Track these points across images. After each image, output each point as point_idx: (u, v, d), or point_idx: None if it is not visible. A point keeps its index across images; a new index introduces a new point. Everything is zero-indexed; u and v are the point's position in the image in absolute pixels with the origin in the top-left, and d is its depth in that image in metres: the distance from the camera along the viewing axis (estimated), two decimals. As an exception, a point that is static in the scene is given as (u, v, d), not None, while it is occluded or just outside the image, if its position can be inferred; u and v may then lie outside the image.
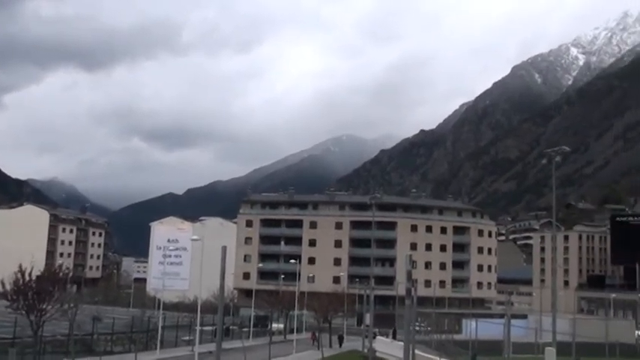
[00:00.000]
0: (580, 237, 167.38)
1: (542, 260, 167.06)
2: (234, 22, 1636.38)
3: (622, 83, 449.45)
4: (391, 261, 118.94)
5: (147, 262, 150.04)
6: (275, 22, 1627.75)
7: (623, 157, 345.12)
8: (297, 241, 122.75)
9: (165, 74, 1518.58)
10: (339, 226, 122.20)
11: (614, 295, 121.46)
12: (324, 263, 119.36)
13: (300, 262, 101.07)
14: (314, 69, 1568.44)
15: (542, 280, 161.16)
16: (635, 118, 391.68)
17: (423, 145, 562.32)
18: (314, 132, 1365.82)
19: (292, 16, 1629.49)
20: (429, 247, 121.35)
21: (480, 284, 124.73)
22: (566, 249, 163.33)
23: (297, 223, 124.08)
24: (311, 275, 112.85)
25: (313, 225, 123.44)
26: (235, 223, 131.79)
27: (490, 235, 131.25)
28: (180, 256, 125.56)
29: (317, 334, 66.69)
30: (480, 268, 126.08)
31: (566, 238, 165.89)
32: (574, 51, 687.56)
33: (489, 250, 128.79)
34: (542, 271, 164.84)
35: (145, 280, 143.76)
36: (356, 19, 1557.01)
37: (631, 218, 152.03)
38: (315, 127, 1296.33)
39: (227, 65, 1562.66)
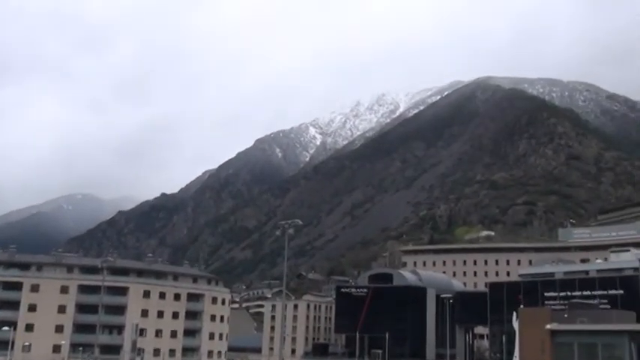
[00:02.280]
0: (308, 306, 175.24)
1: (273, 328, 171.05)
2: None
3: (352, 164, 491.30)
4: (120, 328, 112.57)
5: None
6: (16, 68, 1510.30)
7: (350, 232, 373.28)
8: (14, 305, 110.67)
9: None
10: (64, 290, 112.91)
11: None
12: (44, 330, 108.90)
13: (15, 329, 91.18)
14: (56, 121, 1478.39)
15: (272, 349, 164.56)
16: (361, 197, 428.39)
17: (163, 209, 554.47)
18: (47, 188, 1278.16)
19: (37, 65, 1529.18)
20: (161, 314, 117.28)
21: (210, 353, 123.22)
22: (295, 317, 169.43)
23: (17, 286, 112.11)
24: (27, 344, 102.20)
25: (35, 288, 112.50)
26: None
27: (224, 302, 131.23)
28: None
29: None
30: (212, 336, 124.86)
31: (295, 306, 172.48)
32: (313, 131, 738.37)
33: (222, 318, 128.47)
34: (272, 339, 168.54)
35: None
36: (108, 75, 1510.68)
37: (353, 290, 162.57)
38: (49, 183, 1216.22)
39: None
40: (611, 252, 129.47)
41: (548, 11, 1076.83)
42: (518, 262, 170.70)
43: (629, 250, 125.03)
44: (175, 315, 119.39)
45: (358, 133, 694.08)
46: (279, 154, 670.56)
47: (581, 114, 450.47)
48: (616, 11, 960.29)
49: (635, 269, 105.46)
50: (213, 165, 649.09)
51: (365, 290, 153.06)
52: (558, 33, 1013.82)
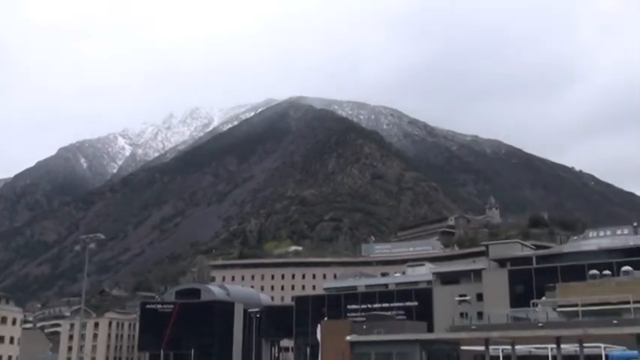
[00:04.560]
0: (110, 324, 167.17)
1: (70, 349, 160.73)
2: None
3: (163, 177, 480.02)
4: None
5: None
6: None
7: (158, 246, 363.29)
8: None
9: None
10: None
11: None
12: None
13: None
14: None
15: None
16: (171, 211, 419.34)
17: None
18: None
19: None
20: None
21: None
22: (95, 336, 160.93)
23: None
24: None
25: None
26: None
27: (15, 322, 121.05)
28: None
29: None
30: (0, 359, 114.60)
31: (96, 325, 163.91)
32: (122, 141, 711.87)
33: (12, 340, 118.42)
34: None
35: None
36: None
37: (159, 306, 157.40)
38: None
39: None
40: (408, 266, 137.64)
41: (359, 39, 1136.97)
42: (324, 276, 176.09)
43: (423, 265, 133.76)
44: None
45: (170, 145, 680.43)
46: (85, 165, 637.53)
47: (385, 136, 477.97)
48: (420, 44, 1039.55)
49: (429, 282, 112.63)
50: (9, 174, 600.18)
51: (171, 306, 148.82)
52: (367, 60, 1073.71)
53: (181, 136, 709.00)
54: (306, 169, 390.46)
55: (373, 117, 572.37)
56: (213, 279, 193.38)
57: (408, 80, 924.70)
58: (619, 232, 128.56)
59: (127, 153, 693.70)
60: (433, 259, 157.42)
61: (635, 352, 38.80)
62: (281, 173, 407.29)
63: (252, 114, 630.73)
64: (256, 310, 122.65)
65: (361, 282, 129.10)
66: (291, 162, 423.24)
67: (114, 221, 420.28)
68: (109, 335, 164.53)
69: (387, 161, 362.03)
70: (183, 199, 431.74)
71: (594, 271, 72.77)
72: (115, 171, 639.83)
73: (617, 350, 45.73)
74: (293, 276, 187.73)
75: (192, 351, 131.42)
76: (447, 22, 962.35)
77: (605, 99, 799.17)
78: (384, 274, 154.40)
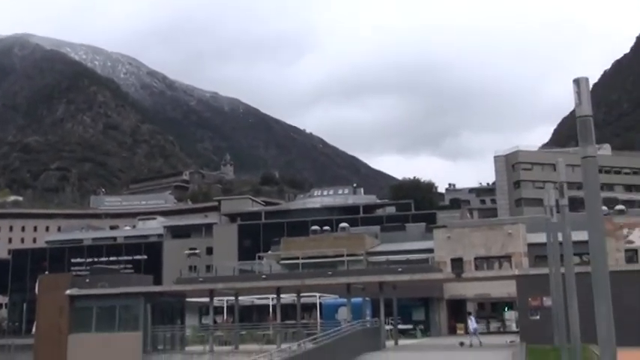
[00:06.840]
0: None
1: None
2: None
3: None
4: None
5: None
6: None
7: None
8: None
9: None
10: None
11: None
12: None
13: None
14: None
15: None
16: None
17: None
18: None
19: None
20: None
21: None
22: None
23: None
24: None
25: None
26: None
27: None
28: None
29: None
30: None
31: None
32: None
33: None
34: None
35: None
36: None
37: None
38: None
39: None
40: (139, 220, 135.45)
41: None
42: (47, 229, 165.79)
43: (155, 219, 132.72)
44: None
45: None
46: None
47: (122, 86, 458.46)
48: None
49: (160, 236, 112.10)
50: None
51: None
52: (108, 5, 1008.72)
53: None
54: (30, 113, 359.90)
55: (110, 64, 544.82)
56: None
57: (151, 31, 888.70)
58: (340, 191, 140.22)
59: None
60: (165, 213, 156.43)
61: (344, 300, 42.50)
62: (1, 117, 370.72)
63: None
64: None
65: (88, 235, 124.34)
66: (13, 104, 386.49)
67: None
68: None
69: (123, 111, 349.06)
70: None
71: (315, 227, 78.50)
72: None
73: (330, 298, 49.77)
74: (11, 228, 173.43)
75: None
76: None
77: (336, 69, 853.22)
78: (113, 228, 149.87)
